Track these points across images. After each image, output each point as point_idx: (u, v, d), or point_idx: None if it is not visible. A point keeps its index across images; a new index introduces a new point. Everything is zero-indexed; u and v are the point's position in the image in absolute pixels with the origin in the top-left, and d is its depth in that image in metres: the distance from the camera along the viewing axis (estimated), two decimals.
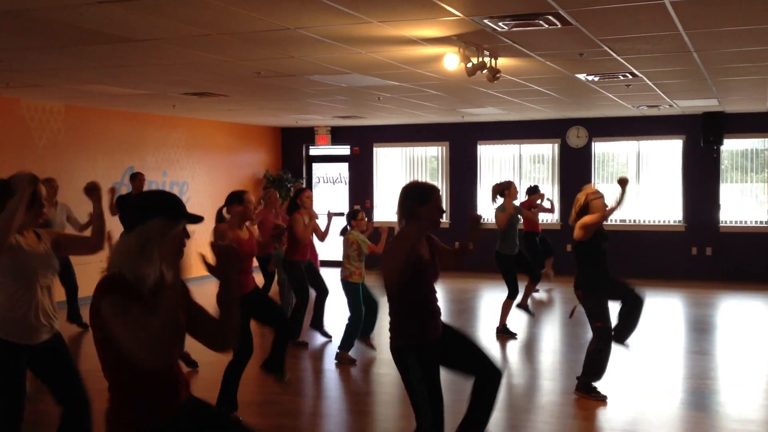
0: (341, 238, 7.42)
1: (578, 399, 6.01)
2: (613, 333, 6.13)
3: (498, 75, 6.81)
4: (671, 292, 11.84)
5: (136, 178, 10.00)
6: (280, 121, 14.44)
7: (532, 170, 14.25)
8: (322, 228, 8.11)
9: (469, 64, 6.42)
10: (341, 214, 14.50)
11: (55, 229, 7.18)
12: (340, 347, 7.34)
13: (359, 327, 7.25)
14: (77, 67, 7.43)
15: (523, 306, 9.13)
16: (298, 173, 15.55)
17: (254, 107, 11.60)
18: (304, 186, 13.43)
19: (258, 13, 5.22)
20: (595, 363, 5.98)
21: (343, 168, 15.64)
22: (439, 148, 14.74)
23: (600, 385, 6.09)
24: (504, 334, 8.45)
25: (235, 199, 5.56)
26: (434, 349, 3.88)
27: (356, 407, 6.26)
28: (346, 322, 7.29)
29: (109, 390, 2.66)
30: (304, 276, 7.95)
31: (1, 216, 3.83)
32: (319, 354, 7.88)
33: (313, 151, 15.88)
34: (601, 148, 13.76)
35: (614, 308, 6.09)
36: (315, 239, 8.36)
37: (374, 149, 15.13)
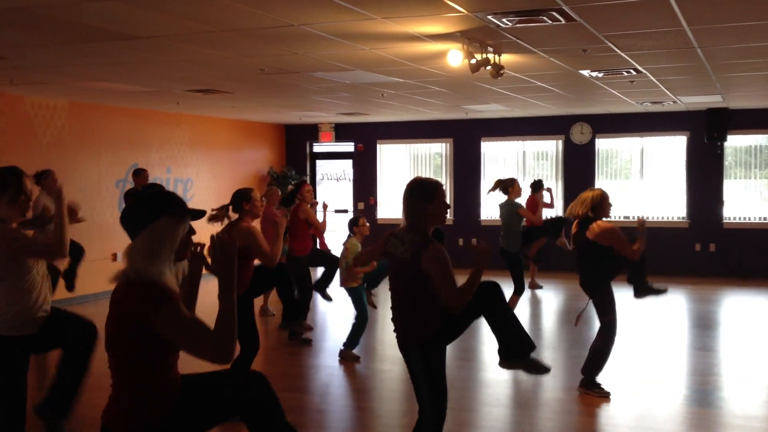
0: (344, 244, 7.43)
1: (582, 395, 6.02)
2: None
3: (502, 71, 6.81)
4: (675, 288, 11.81)
5: (141, 174, 10.00)
6: (283, 118, 14.44)
7: (536, 167, 14.24)
8: (321, 219, 8.20)
9: (473, 61, 6.41)
10: (345, 211, 14.57)
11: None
12: (344, 345, 7.35)
13: (365, 326, 7.26)
14: (81, 64, 7.44)
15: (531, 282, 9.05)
16: (302, 170, 15.56)
17: (258, 104, 11.61)
18: (302, 179, 13.46)
19: (262, 9, 5.22)
20: (600, 357, 5.99)
21: (347, 165, 15.64)
22: (443, 144, 14.74)
23: (603, 381, 6.10)
24: None
25: (242, 197, 5.54)
26: (436, 341, 3.86)
27: (359, 403, 6.27)
28: (353, 321, 7.31)
29: (114, 385, 2.68)
30: (308, 272, 8.00)
31: (53, 232, 3.92)
32: (322, 351, 7.89)
33: (317, 148, 15.89)
34: (604, 145, 13.74)
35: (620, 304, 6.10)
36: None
37: (378, 146, 15.13)
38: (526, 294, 10.21)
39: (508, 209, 8.63)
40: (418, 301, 3.82)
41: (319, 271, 8.38)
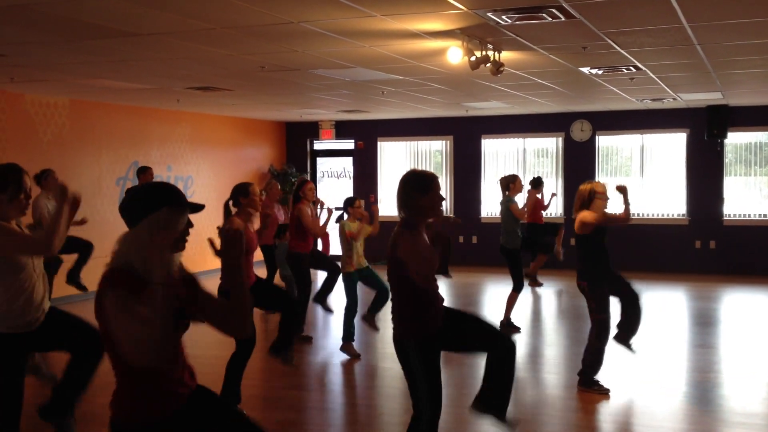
0: (337, 225, 7.48)
1: (581, 393, 6.03)
2: (617, 334, 6.17)
3: (501, 68, 6.81)
4: (675, 285, 11.84)
5: (146, 172, 10.00)
6: (284, 116, 14.44)
7: (536, 164, 14.24)
8: (321, 222, 8.13)
9: (473, 58, 6.41)
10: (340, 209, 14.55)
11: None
12: (343, 339, 7.36)
13: (354, 313, 7.25)
14: (81, 61, 7.45)
15: (532, 278, 9.00)
16: (303, 168, 15.56)
17: (258, 102, 11.61)
18: (302, 177, 13.43)
19: (262, 6, 5.22)
20: (595, 356, 6.00)
21: (347, 162, 15.65)
22: (443, 142, 14.74)
23: (603, 379, 6.11)
24: (508, 327, 8.46)
25: (241, 191, 5.54)
26: (435, 340, 3.86)
27: (360, 401, 6.28)
28: (344, 310, 7.32)
29: (116, 380, 2.69)
30: (308, 268, 7.97)
31: (46, 226, 3.95)
32: (323, 348, 7.90)
33: (318, 146, 15.89)
34: (605, 142, 13.73)
35: (613, 304, 6.10)
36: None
37: (378, 143, 15.13)
38: (526, 290, 10.20)
39: (505, 205, 8.64)
40: (408, 294, 3.80)
41: (320, 274, 8.33)
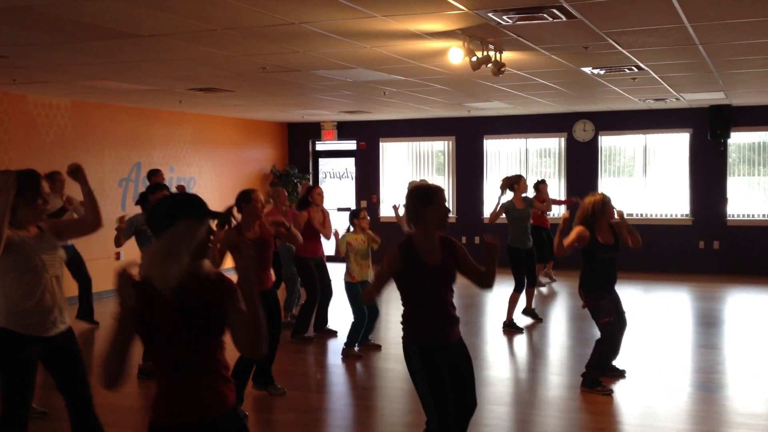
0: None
1: (584, 393, 6.01)
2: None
3: (503, 69, 6.80)
4: (678, 286, 11.81)
5: (157, 174, 10.01)
6: (286, 117, 14.44)
7: (539, 164, 14.22)
8: (332, 225, 8.15)
9: (474, 58, 6.41)
10: (348, 209, 14.56)
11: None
12: (345, 344, 7.36)
13: (363, 326, 7.29)
14: (83, 62, 7.45)
15: (528, 311, 8.99)
16: (305, 168, 15.56)
17: (260, 102, 11.61)
18: (311, 182, 13.46)
19: (262, 7, 5.22)
20: (600, 357, 5.99)
21: (349, 163, 15.64)
22: (446, 142, 14.73)
23: (607, 379, 6.10)
24: (511, 328, 8.45)
25: (243, 198, 5.61)
26: (438, 351, 3.86)
27: (362, 402, 6.27)
28: (352, 320, 7.33)
29: (161, 383, 2.71)
30: (315, 273, 7.98)
31: (85, 207, 4.20)
32: (325, 349, 7.90)
33: (320, 146, 15.89)
34: (607, 142, 13.71)
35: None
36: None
37: (380, 144, 15.12)
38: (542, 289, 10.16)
39: (511, 206, 8.62)
40: (408, 301, 3.94)
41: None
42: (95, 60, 7.31)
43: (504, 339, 8.20)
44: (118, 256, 11.15)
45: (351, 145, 15.45)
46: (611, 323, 5.96)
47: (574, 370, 6.61)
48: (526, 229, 8.56)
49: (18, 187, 3.90)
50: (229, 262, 2.90)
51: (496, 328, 8.58)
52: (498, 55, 6.82)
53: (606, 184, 13.39)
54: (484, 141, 14.37)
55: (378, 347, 7.62)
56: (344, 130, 15.20)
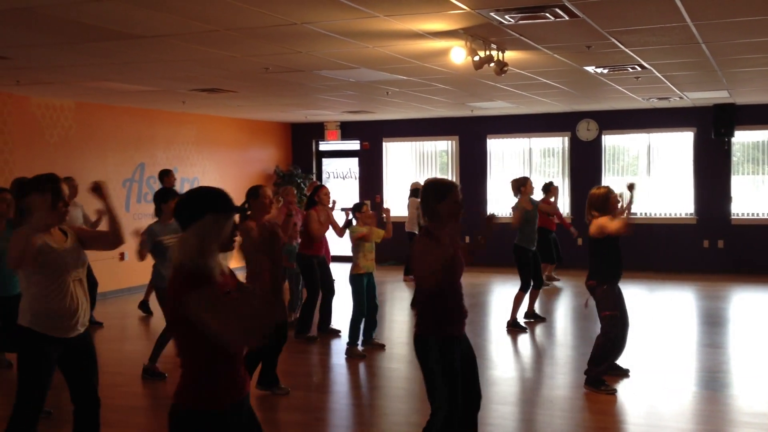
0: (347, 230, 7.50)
1: (588, 393, 6.00)
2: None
3: (505, 68, 6.79)
4: (683, 285, 11.79)
5: (169, 174, 10.03)
6: (289, 117, 14.45)
7: (543, 164, 14.20)
8: (340, 224, 8.15)
9: (476, 58, 6.40)
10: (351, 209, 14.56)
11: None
12: (348, 343, 7.37)
13: (361, 319, 7.31)
14: (86, 63, 7.47)
15: (530, 313, 8.98)
16: (308, 168, 15.57)
17: (263, 103, 11.62)
18: (315, 182, 13.40)
19: (264, 8, 5.22)
20: (602, 352, 5.99)
21: (353, 163, 15.65)
22: (449, 142, 14.72)
23: (612, 378, 6.09)
24: (515, 327, 8.45)
25: (251, 194, 5.73)
26: (454, 343, 3.95)
27: (366, 401, 6.27)
28: (350, 316, 7.33)
29: (183, 369, 2.77)
30: (317, 271, 7.99)
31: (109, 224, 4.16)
32: (328, 349, 7.90)
33: (323, 147, 15.90)
34: (611, 141, 13.69)
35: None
36: (333, 234, 8.35)
37: (384, 144, 15.13)
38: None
39: (521, 207, 8.62)
40: (428, 293, 3.93)
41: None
42: (98, 61, 7.33)
43: (508, 338, 8.19)
44: (122, 257, 11.17)
45: (354, 145, 15.45)
46: (615, 317, 5.96)
47: (579, 369, 6.60)
48: (533, 230, 8.57)
49: (39, 189, 3.96)
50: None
51: (501, 327, 8.57)
52: (500, 54, 6.81)
53: (610, 183, 13.31)
54: (488, 140, 14.36)
55: (382, 347, 7.63)
56: (347, 130, 15.20)
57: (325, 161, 15.99)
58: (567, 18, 5.57)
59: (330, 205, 8.18)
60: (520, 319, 8.64)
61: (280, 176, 14.85)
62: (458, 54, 6.42)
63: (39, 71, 7.94)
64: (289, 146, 15.79)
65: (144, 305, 9.65)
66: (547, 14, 5.45)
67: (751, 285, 11.67)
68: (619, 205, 6.20)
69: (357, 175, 15.50)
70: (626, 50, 7.03)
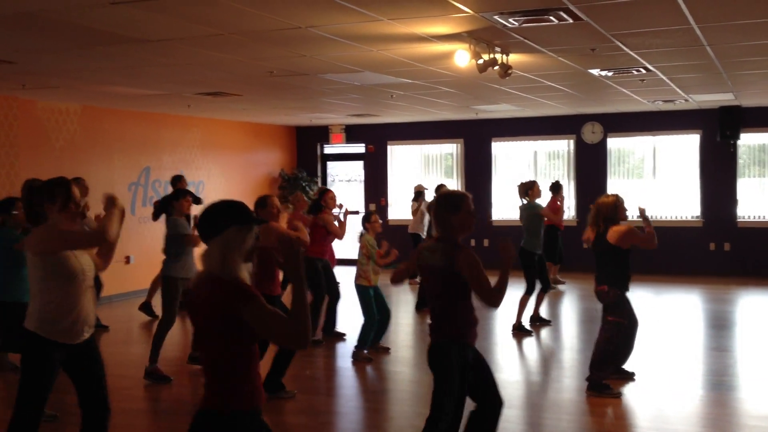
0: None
1: (592, 397, 5.99)
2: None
3: (510, 71, 6.79)
4: (689, 287, 11.75)
5: (181, 180, 10.04)
6: (294, 120, 14.47)
7: (548, 166, 14.19)
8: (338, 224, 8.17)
9: (480, 61, 6.40)
10: (356, 213, 14.60)
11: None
12: (355, 347, 7.36)
13: (373, 329, 7.30)
14: (92, 68, 7.49)
15: (536, 317, 8.97)
16: (313, 172, 15.58)
17: (268, 106, 11.64)
18: (321, 186, 13.45)
19: (269, 12, 5.24)
20: (604, 357, 5.97)
21: (357, 166, 15.66)
22: (454, 145, 14.72)
23: (616, 382, 6.08)
24: (520, 331, 8.43)
25: (259, 204, 5.84)
26: (468, 351, 3.99)
27: (371, 405, 6.27)
28: (361, 324, 7.33)
29: (217, 373, 2.82)
30: (321, 274, 8.00)
31: (79, 234, 4.12)
32: (334, 352, 7.90)
33: (328, 150, 15.91)
34: (616, 144, 13.66)
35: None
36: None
37: (389, 147, 15.13)
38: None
39: (529, 211, 8.62)
40: (458, 301, 3.99)
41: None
42: (104, 65, 7.35)
43: (513, 342, 8.18)
44: (127, 260, 11.20)
45: (359, 148, 15.46)
46: (622, 325, 5.94)
47: (585, 372, 6.57)
48: (539, 233, 8.56)
49: (48, 194, 3.99)
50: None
51: (506, 331, 8.56)
52: (504, 57, 6.81)
53: (615, 186, 13.34)
54: (492, 143, 14.35)
55: (387, 350, 7.63)
56: (352, 134, 15.21)
57: (330, 164, 16.00)
58: (571, 21, 5.57)
59: (336, 209, 8.20)
60: (526, 322, 8.63)
61: (285, 180, 14.87)
62: (462, 57, 6.42)
63: (45, 75, 7.97)
64: (294, 149, 15.81)
65: (147, 307, 9.62)
66: (551, 17, 5.45)
67: (757, 288, 11.63)
68: (629, 215, 6.19)
69: (362, 179, 15.51)
70: (631, 53, 7.02)
